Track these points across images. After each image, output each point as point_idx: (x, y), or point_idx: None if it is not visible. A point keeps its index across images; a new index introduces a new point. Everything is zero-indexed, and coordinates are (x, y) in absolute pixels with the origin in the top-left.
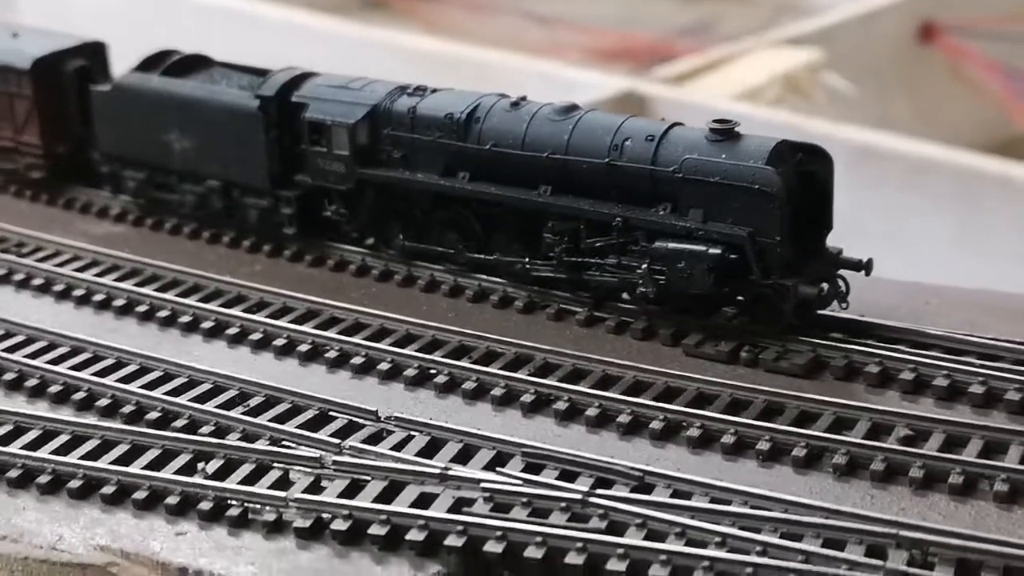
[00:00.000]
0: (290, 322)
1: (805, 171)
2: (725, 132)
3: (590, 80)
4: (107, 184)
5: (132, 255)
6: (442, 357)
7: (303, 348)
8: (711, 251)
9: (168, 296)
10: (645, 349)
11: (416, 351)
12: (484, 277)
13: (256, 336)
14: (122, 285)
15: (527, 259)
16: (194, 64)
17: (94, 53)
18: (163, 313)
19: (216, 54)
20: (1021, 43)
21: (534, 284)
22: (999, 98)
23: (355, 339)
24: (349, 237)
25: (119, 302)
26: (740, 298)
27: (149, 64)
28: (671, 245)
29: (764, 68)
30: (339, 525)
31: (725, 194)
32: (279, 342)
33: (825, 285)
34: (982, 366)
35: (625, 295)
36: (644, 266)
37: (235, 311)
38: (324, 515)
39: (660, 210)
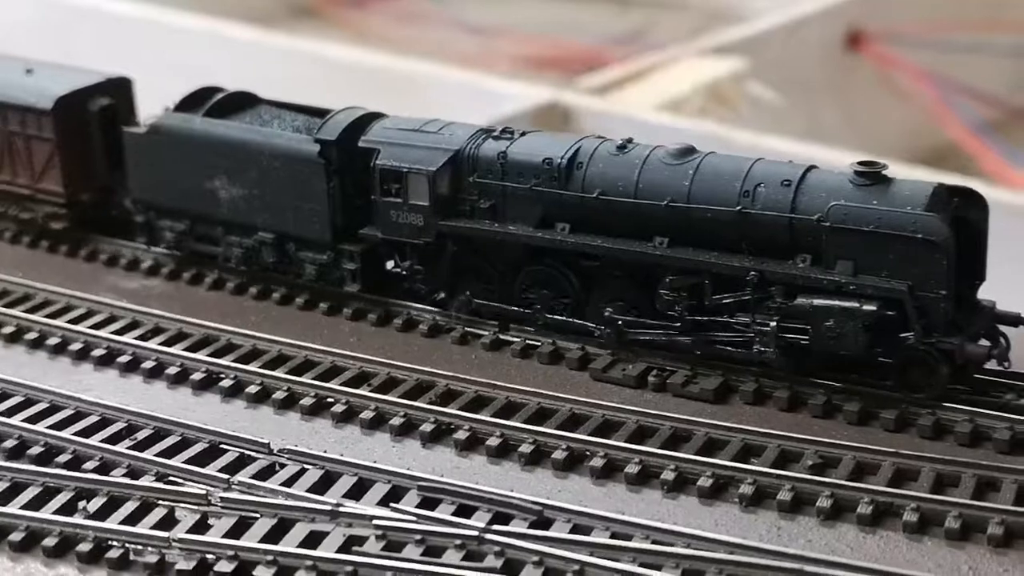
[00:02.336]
0: (185, 349)
1: (957, 216)
2: (873, 176)
3: (514, 91)
4: (140, 235)
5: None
6: (340, 385)
7: (197, 376)
8: (865, 307)
9: (58, 323)
10: (552, 374)
11: (314, 379)
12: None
13: (148, 364)
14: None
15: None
16: (239, 102)
17: (119, 90)
18: (52, 341)
19: (139, 68)
20: (949, 51)
21: (635, 346)
22: (928, 106)
23: (251, 367)
24: (418, 295)
25: (7, 329)
26: (888, 360)
27: (189, 103)
28: (817, 301)
29: (688, 78)
30: (223, 567)
31: (880, 244)
32: (172, 370)
33: (987, 343)
34: None
35: (754, 355)
36: (772, 325)
37: (127, 338)
38: (209, 556)
39: (800, 262)
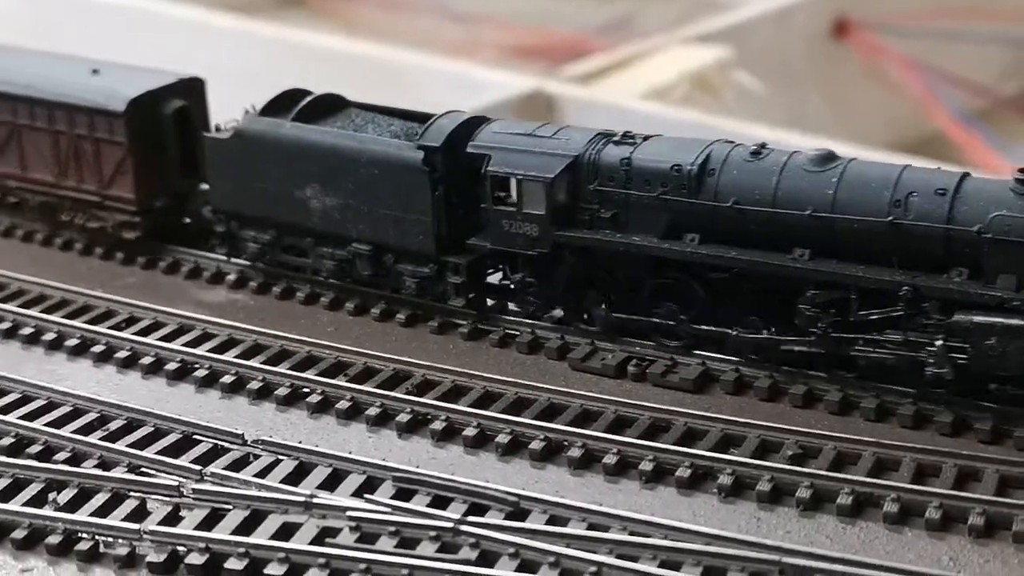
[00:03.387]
0: (159, 339)
1: None
2: None
3: (498, 80)
4: (221, 246)
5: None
6: (316, 375)
7: (171, 366)
8: None
9: (32, 312)
10: (530, 364)
11: (289, 369)
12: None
13: (123, 354)
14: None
15: (770, 333)
16: (327, 106)
17: (192, 90)
18: (26, 330)
19: (120, 57)
20: (936, 39)
21: (780, 363)
22: (914, 95)
23: (226, 356)
24: (528, 309)
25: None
26: None
27: (275, 107)
28: (978, 319)
29: (673, 66)
30: (195, 559)
31: None
32: (146, 360)
33: None
34: None
35: (928, 377)
36: (939, 343)
37: (102, 327)
38: (180, 548)
39: (955, 276)
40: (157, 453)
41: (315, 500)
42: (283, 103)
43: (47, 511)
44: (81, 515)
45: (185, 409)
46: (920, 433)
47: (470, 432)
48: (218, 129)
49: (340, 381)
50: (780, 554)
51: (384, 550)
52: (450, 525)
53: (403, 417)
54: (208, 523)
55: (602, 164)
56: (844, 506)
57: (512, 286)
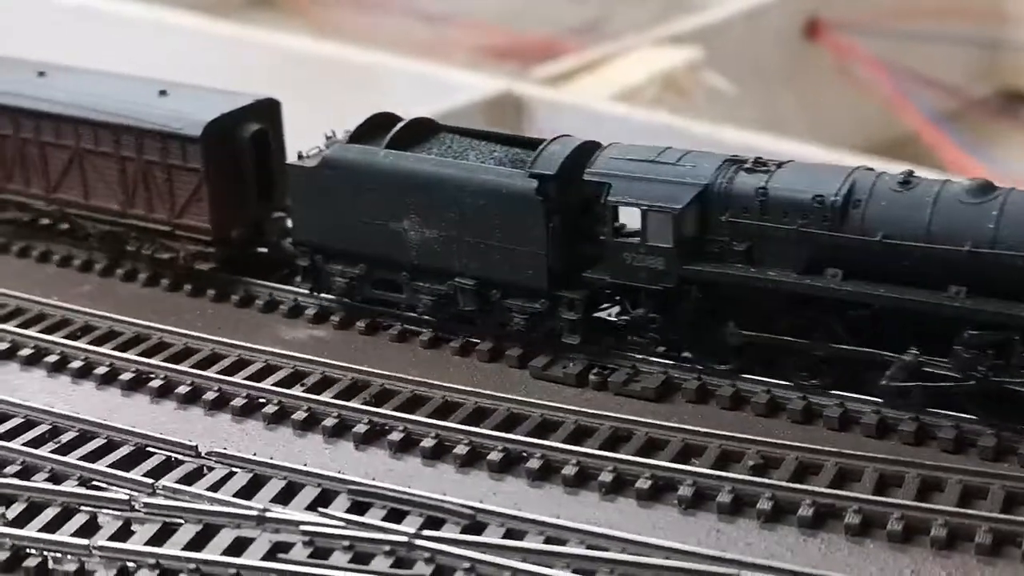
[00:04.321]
0: (114, 348)
1: None
2: None
3: (467, 81)
4: (304, 280)
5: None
6: (273, 385)
7: (126, 376)
8: None
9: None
10: (491, 372)
11: (245, 379)
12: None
13: (77, 364)
14: None
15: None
16: (419, 131)
17: (269, 113)
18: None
19: (84, 61)
20: (907, 40)
21: (928, 406)
22: (885, 97)
23: (182, 366)
24: (650, 347)
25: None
26: None
27: (364, 133)
28: None
29: (643, 67)
30: (145, 575)
31: None
32: (101, 370)
33: None
34: None
35: None
36: None
37: (56, 337)
38: (129, 564)
39: None
40: (109, 466)
41: (268, 514)
42: (372, 129)
43: None
44: (30, 530)
45: (139, 420)
46: (883, 443)
47: (428, 443)
48: (301, 156)
49: (297, 391)
50: (740, 568)
51: (337, 565)
52: (405, 539)
53: (361, 428)
54: (159, 538)
55: (734, 194)
56: (805, 518)
57: (631, 322)
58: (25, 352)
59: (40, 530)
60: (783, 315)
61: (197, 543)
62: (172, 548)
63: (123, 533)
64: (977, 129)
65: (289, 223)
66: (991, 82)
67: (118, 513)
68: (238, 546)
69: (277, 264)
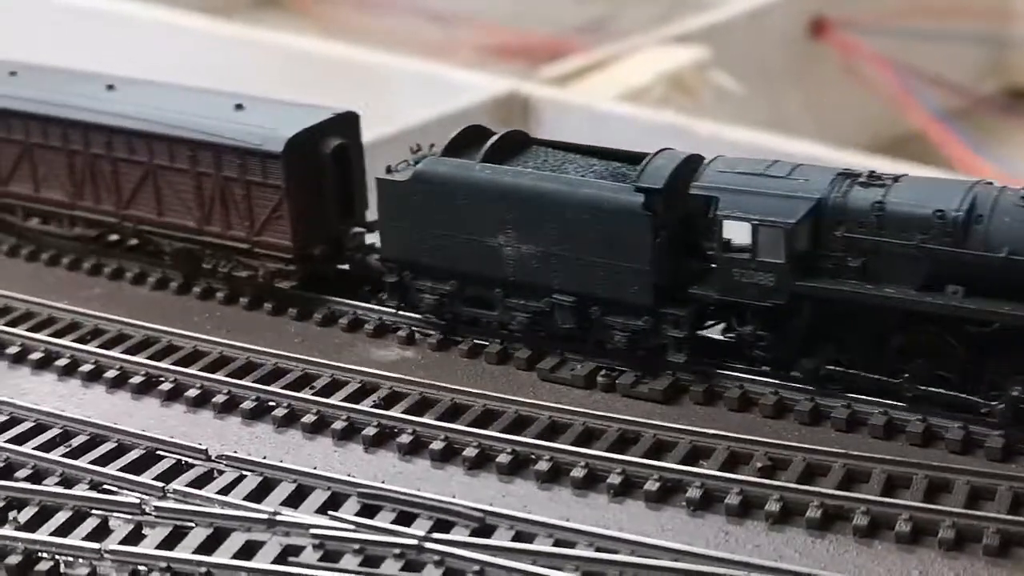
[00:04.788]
0: (124, 351)
1: None
2: None
3: (473, 81)
4: (391, 297)
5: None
6: (282, 388)
7: (136, 380)
8: None
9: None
10: (499, 374)
11: (255, 382)
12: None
13: (87, 367)
14: None
15: None
16: (513, 145)
17: (349, 126)
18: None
19: (87, 62)
20: (913, 38)
21: None
22: (890, 95)
23: (191, 369)
24: (759, 364)
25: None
26: None
27: (457, 147)
28: None
29: (650, 67)
30: None
31: None
32: (111, 374)
33: None
34: None
35: None
36: None
37: (66, 340)
38: (141, 568)
39: None
40: (120, 470)
41: (278, 517)
42: (464, 142)
43: (7, 530)
44: (42, 534)
45: (149, 424)
46: (890, 444)
47: (437, 446)
48: (390, 170)
49: (306, 394)
50: (748, 570)
51: (348, 569)
52: (414, 542)
53: (370, 431)
54: (170, 542)
55: (850, 208)
56: (814, 519)
57: (739, 339)
58: (36, 356)
59: (52, 534)
60: (897, 333)
61: (208, 547)
62: (183, 552)
63: (134, 537)
64: (983, 127)
65: (368, 239)
66: (997, 80)
67: (129, 517)
68: (249, 550)
69: (359, 281)
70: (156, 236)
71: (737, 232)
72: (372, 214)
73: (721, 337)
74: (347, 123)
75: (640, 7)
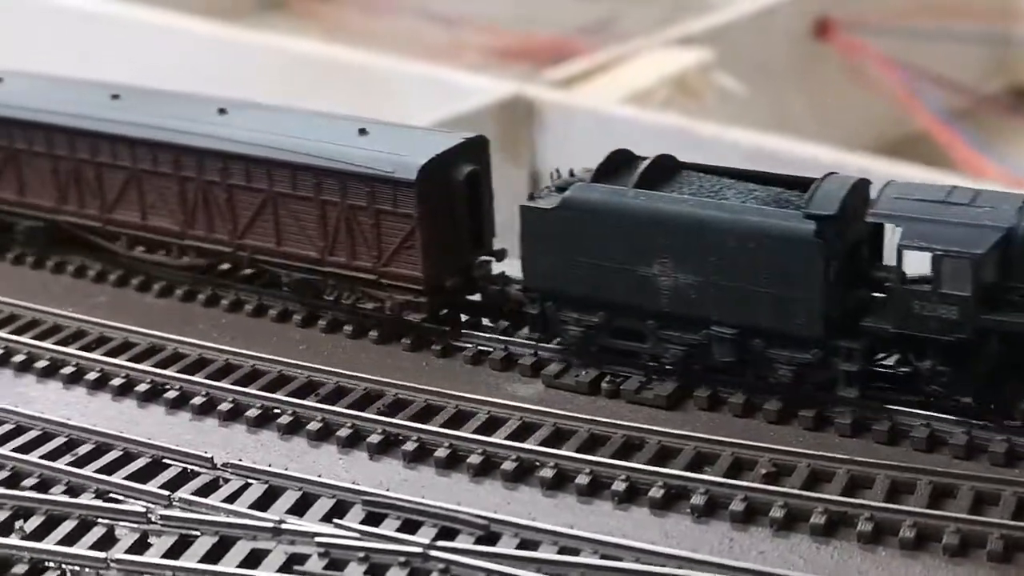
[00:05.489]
0: (129, 359)
1: None
2: None
3: (477, 85)
4: (533, 329)
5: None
6: (287, 395)
7: (141, 388)
8: None
9: (0, 334)
10: (504, 381)
11: (260, 389)
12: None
13: (93, 375)
14: None
15: None
16: (664, 170)
17: (480, 152)
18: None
19: (92, 65)
20: (917, 39)
21: None
22: (896, 95)
23: (197, 377)
24: (934, 400)
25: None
26: None
27: (606, 172)
28: None
29: (654, 69)
30: None
31: None
32: (116, 382)
33: None
34: None
35: None
36: None
37: (71, 349)
38: None
39: None
40: (125, 478)
41: (284, 526)
42: (612, 167)
43: (14, 540)
44: (48, 543)
45: (155, 432)
46: (894, 449)
47: (442, 453)
48: (533, 197)
49: (311, 401)
50: None
51: None
52: (419, 550)
53: (374, 438)
54: (176, 550)
55: None
56: (818, 525)
57: (922, 373)
58: (41, 364)
59: (58, 543)
60: None
61: (213, 555)
62: (189, 561)
63: (140, 546)
64: (988, 127)
65: (495, 268)
66: (1002, 79)
67: (135, 526)
68: (254, 558)
69: (493, 312)
70: (273, 266)
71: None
72: (500, 242)
73: (891, 370)
74: (477, 148)
75: (643, 8)
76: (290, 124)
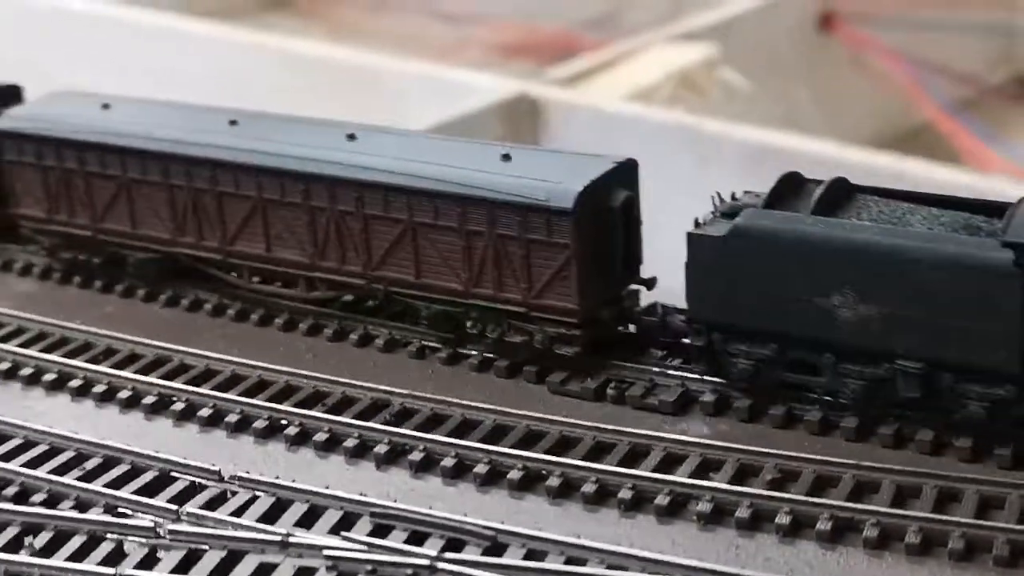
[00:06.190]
0: (136, 371)
1: None
2: None
3: (482, 83)
4: (698, 362)
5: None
6: (294, 406)
7: (148, 400)
8: None
9: (8, 347)
10: (509, 388)
11: (267, 400)
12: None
13: (100, 388)
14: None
15: None
16: (839, 193)
17: (632, 176)
18: (2, 366)
19: (96, 68)
20: (922, 29)
21: None
22: (901, 87)
23: (203, 389)
24: None
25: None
26: None
27: (779, 198)
28: None
29: (659, 66)
30: None
31: None
32: (124, 394)
33: None
34: None
35: None
36: None
37: (78, 361)
38: None
39: None
40: (134, 492)
41: (291, 539)
42: (784, 192)
43: (23, 556)
44: (57, 560)
45: (163, 444)
46: (900, 453)
47: (448, 462)
48: (699, 224)
49: (318, 412)
50: None
51: None
52: (427, 562)
53: (381, 448)
54: (185, 565)
55: None
56: (824, 532)
57: None
58: (49, 377)
59: (67, 559)
60: None
61: (222, 570)
62: (198, 575)
63: (149, 561)
64: (993, 117)
65: (644, 297)
66: (1007, 69)
67: (144, 540)
68: (263, 572)
69: (645, 345)
70: (411, 299)
71: None
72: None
73: None
74: (629, 172)
75: (647, 2)
76: (427, 150)
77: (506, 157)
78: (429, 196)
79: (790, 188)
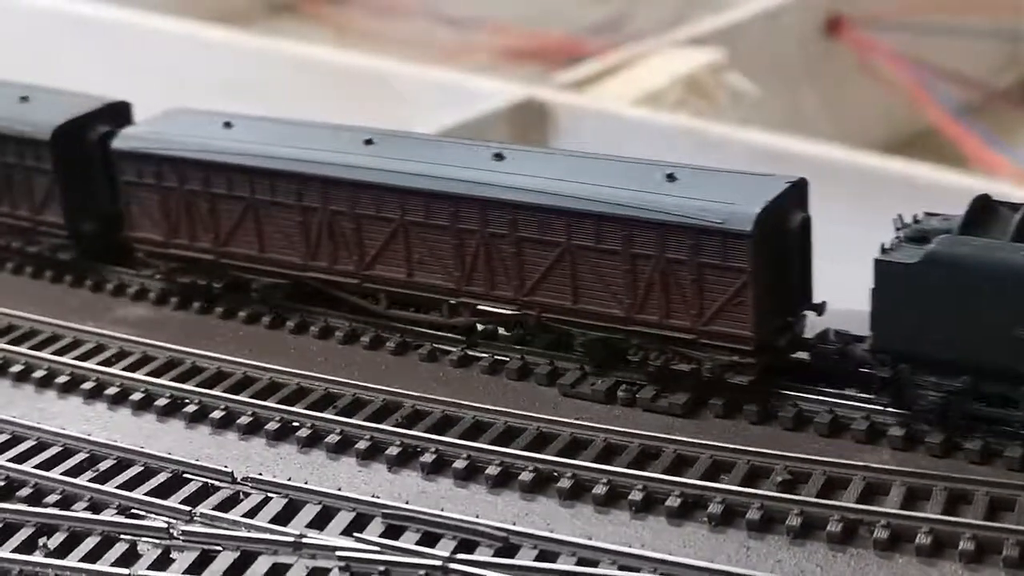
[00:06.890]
0: (148, 374)
1: None
2: None
3: (489, 88)
4: (882, 394)
5: None
6: (306, 408)
7: (161, 402)
8: None
9: (21, 349)
10: (520, 390)
11: (278, 402)
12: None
13: (113, 390)
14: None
15: None
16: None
17: (802, 194)
18: (16, 368)
19: (100, 71)
20: (928, 34)
21: None
22: (908, 91)
23: (215, 391)
24: None
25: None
26: None
27: (974, 222)
28: None
29: (666, 70)
30: None
31: None
32: (136, 396)
33: None
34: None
35: None
36: None
37: (91, 363)
38: None
39: None
40: (147, 494)
41: (304, 540)
42: (978, 216)
43: (37, 557)
44: (71, 560)
45: (175, 446)
46: (910, 455)
47: (460, 464)
48: (886, 250)
49: (329, 414)
50: None
51: None
52: (439, 563)
53: (393, 450)
54: (198, 566)
55: None
56: (834, 533)
57: None
58: (62, 380)
59: (81, 560)
60: None
61: (236, 570)
62: (212, 575)
63: (163, 561)
64: (1000, 121)
65: (808, 323)
66: (1013, 74)
67: (157, 541)
68: (276, 572)
69: (822, 373)
70: (567, 325)
71: None
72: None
73: None
74: (801, 191)
75: (654, 6)
76: (582, 170)
77: (671, 177)
78: (592, 218)
79: (983, 212)
